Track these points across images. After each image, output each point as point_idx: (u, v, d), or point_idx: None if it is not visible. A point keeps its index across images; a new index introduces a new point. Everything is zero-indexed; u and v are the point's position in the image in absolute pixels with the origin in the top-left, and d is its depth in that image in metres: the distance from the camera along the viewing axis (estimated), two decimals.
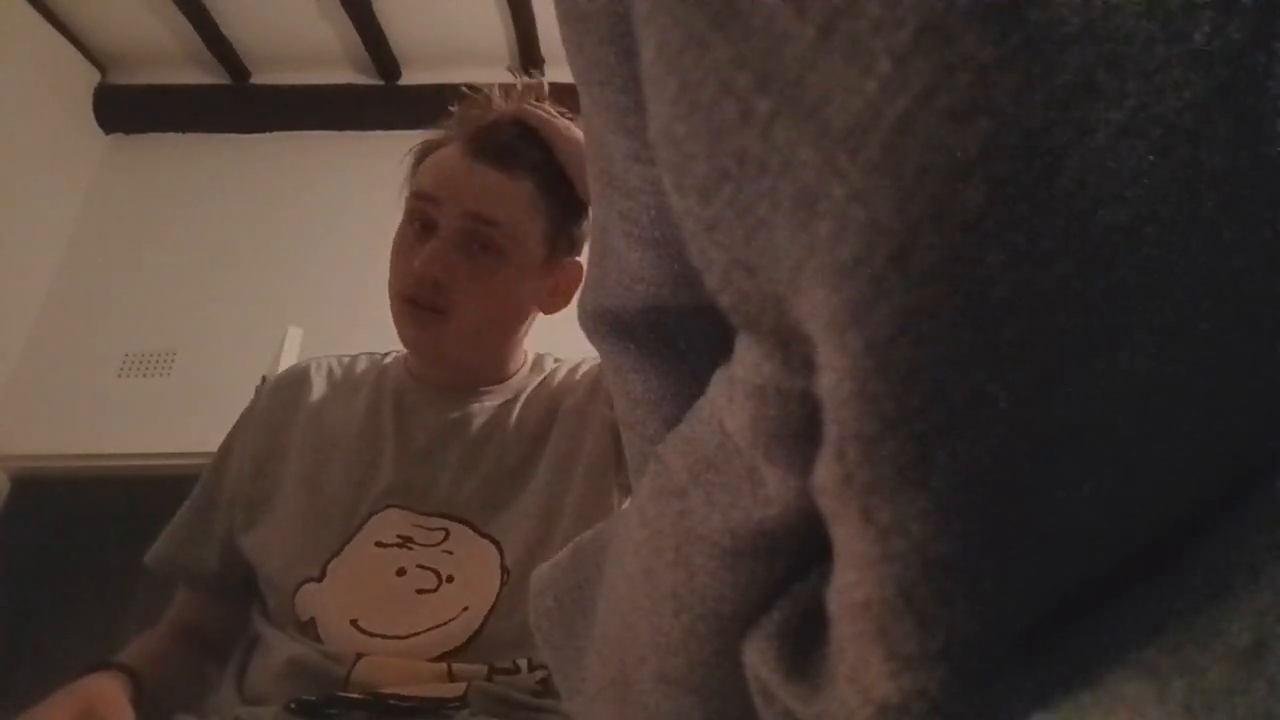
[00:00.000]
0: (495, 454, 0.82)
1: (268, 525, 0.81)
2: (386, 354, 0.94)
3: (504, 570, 0.76)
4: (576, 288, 0.88)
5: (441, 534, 0.77)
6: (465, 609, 0.74)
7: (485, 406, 0.85)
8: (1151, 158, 0.13)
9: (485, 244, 0.79)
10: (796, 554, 0.18)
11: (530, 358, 0.93)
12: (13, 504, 2.65)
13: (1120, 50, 0.13)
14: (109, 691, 0.68)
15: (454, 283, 0.79)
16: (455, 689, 0.69)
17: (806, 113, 0.14)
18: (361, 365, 0.93)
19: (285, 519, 0.80)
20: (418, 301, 0.79)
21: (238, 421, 0.90)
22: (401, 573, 0.74)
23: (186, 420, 2.53)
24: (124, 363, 2.73)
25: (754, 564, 0.19)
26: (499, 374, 0.89)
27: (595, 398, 0.84)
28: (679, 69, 0.16)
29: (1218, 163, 0.13)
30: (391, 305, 0.82)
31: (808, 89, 0.14)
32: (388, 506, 0.78)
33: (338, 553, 0.76)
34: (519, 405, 0.85)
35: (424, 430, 0.83)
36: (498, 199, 0.79)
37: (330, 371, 0.91)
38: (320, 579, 0.75)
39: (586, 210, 0.84)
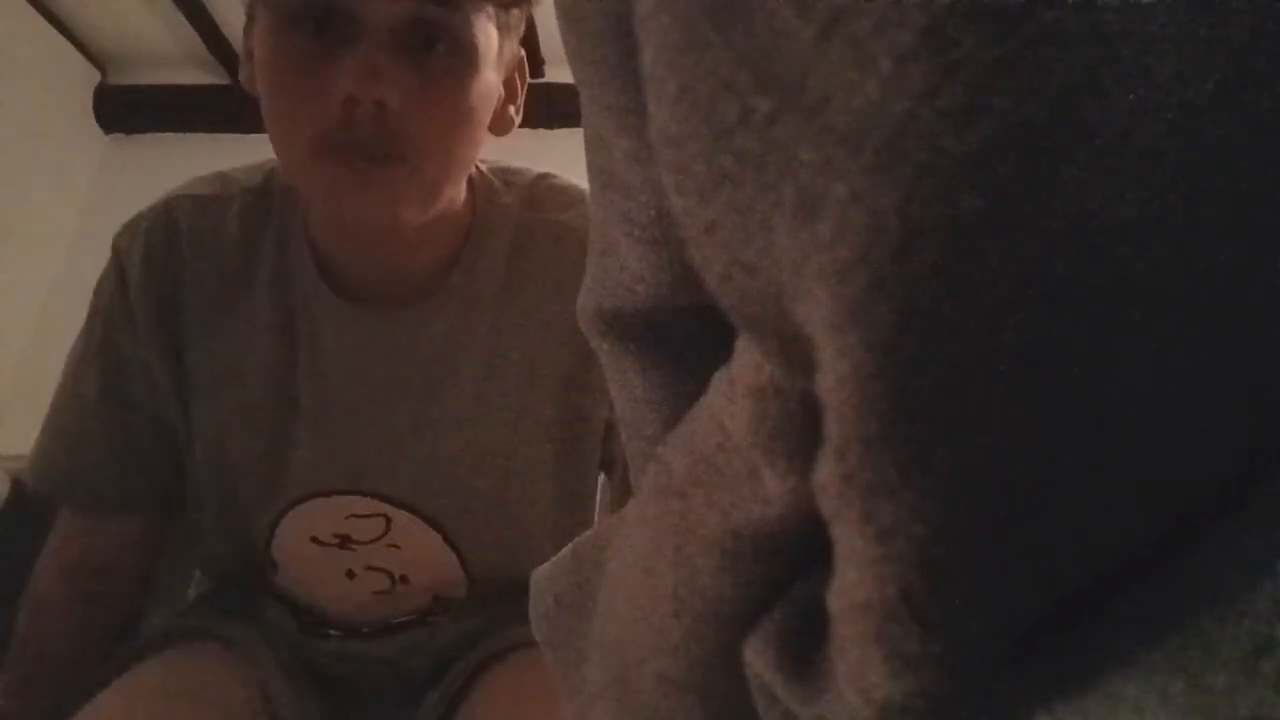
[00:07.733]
0: (443, 405, 0.65)
1: (219, 407, 0.66)
2: (267, 207, 0.66)
3: (469, 581, 0.73)
4: (524, 92, 0.65)
5: (381, 525, 0.67)
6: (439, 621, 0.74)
7: (431, 329, 0.64)
8: (1152, 158, 0.13)
9: (435, 41, 0.52)
10: (797, 554, 0.18)
11: (462, 196, 0.64)
12: (13, 504, 2.64)
13: (1120, 50, 0.13)
14: None
15: (407, 106, 0.50)
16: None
17: (807, 113, 0.14)
18: (233, 228, 0.66)
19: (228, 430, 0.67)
20: (354, 148, 0.51)
21: (100, 312, 0.70)
22: (351, 575, 0.71)
23: None
24: None
25: (754, 564, 0.19)
26: (437, 239, 0.63)
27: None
28: (679, 69, 0.16)
29: (1218, 163, 0.13)
30: (297, 166, 0.54)
31: (808, 89, 0.14)
32: (310, 497, 0.66)
33: (270, 540, 0.70)
34: (473, 313, 0.64)
35: (348, 382, 0.64)
36: None
37: (202, 239, 0.67)
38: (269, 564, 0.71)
39: None
